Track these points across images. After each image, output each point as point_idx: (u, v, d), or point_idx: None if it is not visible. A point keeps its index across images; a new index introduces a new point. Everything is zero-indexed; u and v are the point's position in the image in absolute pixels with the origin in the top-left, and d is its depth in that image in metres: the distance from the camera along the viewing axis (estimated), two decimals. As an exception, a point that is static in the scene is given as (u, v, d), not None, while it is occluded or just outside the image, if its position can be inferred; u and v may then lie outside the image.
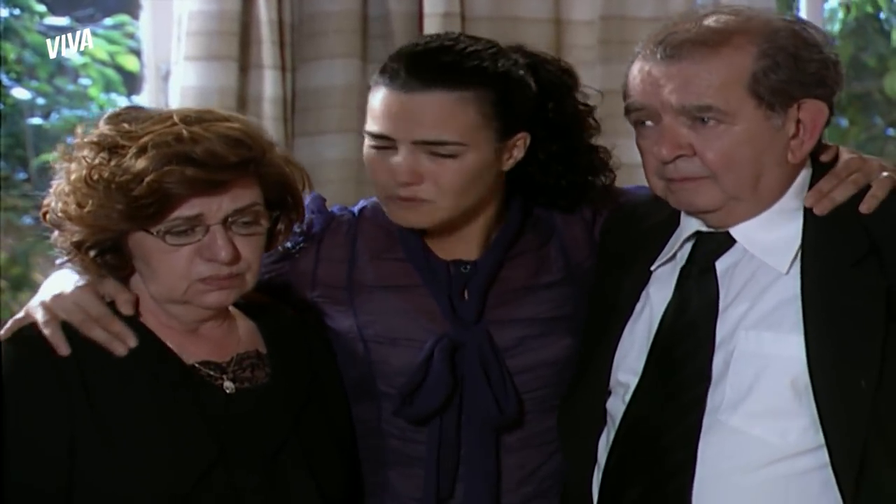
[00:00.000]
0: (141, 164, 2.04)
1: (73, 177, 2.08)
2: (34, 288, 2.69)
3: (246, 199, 2.10)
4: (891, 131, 5.20)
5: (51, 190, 2.13)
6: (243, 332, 2.22)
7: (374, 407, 2.33)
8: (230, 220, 2.09)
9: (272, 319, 2.26)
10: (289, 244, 2.34)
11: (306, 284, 2.36)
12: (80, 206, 2.07)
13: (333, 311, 2.35)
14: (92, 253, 2.10)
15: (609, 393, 2.25)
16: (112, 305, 2.13)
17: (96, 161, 2.06)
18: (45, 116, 4.13)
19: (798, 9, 4.04)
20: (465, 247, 2.35)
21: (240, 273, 2.11)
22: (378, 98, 2.27)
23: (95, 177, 2.05)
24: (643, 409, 2.18)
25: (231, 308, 2.21)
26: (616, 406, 2.23)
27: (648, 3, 3.68)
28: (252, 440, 2.11)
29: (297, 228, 2.30)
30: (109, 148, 2.07)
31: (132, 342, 2.09)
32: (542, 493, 2.36)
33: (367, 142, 2.29)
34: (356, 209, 2.42)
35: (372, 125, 2.27)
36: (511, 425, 2.32)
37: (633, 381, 2.20)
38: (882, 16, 5.05)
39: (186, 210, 2.06)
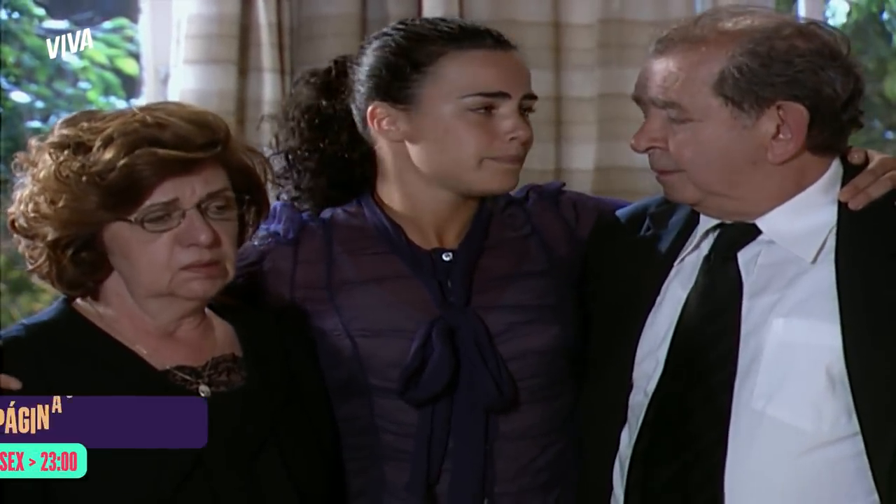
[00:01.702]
0: (110, 153, 2.05)
1: (41, 175, 2.08)
2: (33, 291, 2.68)
3: (217, 183, 2.12)
4: (890, 135, 5.20)
5: (15, 199, 2.12)
6: (219, 335, 2.21)
7: (365, 403, 2.33)
8: (204, 204, 2.10)
9: (248, 321, 2.25)
10: (259, 244, 2.35)
11: (285, 287, 2.36)
12: (52, 203, 2.06)
13: (315, 310, 2.35)
14: (69, 252, 2.09)
15: (631, 386, 2.26)
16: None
17: (62, 158, 2.06)
18: (44, 120, 4.13)
19: (797, 11, 4.04)
20: (445, 236, 2.38)
21: (220, 260, 2.12)
22: (482, 60, 2.31)
23: (65, 172, 2.05)
24: (670, 394, 2.19)
25: (207, 311, 2.21)
26: (638, 398, 2.24)
27: (647, 6, 3.68)
28: (229, 444, 2.10)
29: (266, 230, 2.32)
30: (73, 145, 2.07)
31: (15, 385, 2.05)
32: (537, 485, 2.35)
33: (471, 106, 2.31)
34: (325, 216, 2.42)
35: (486, 86, 2.30)
36: (505, 414, 2.33)
37: (658, 369, 2.21)
38: (885, 16, 5.04)
39: (161, 195, 2.07)
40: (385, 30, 2.40)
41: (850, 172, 2.23)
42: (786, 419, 2.12)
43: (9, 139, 3.88)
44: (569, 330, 2.37)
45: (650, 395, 2.22)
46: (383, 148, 2.38)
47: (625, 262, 2.34)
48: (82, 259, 2.10)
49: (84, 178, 2.05)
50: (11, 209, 2.12)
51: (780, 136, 2.17)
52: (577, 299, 2.40)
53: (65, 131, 2.10)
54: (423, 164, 2.35)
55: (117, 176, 2.04)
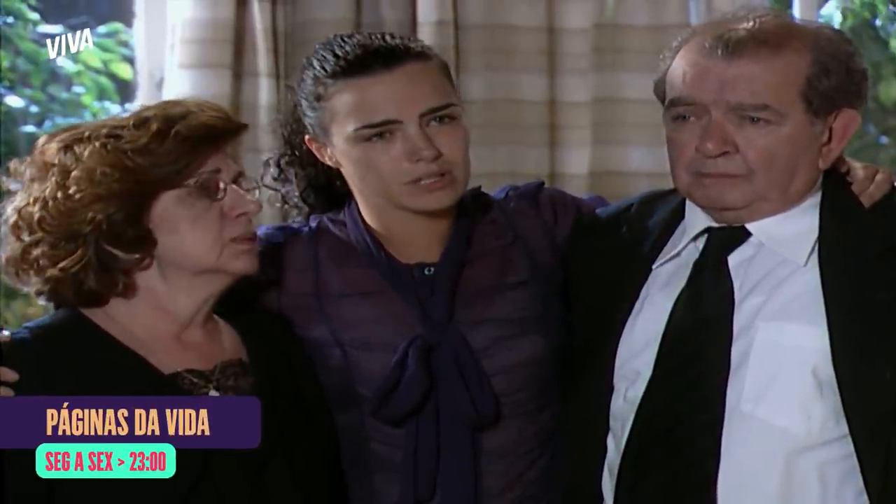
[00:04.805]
0: (154, 125, 2.08)
1: (85, 155, 2.06)
2: (27, 296, 2.68)
3: (236, 165, 2.17)
4: (884, 139, 5.20)
5: (13, 205, 2.10)
6: (227, 340, 2.22)
7: (356, 412, 2.33)
8: (237, 181, 2.14)
9: (252, 327, 2.25)
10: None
11: (273, 294, 2.36)
12: (100, 183, 2.05)
13: (304, 318, 2.34)
14: (114, 232, 2.07)
15: (612, 391, 2.26)
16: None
17: (103, 140, 2.07)
18: (39, 124, 4.12)
19: (791, 16, 4.04)
20: (425, 250, 2.36)
21: (254, 236, 2.16)
22: (363, 89, 2.27)
23: (112, 150, 2.06)
24: (659, 402, 2.19)
25: (214, 315, 2.21)
26: (619, 405, 2.24)
27: (641, 11, 3.68)
28: (238, 450, 2.08)
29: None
30: (105, 135, 2.08)
31: (11, 377, 2.04)
32: (528, 498, 2.35)
33: (364, 137, 2.27)
34: (313, 223, 2.42)
35: (370, 118, 2.27)
36: (492, 429, 2.32)
37: (643, 377, 2.21)
38: (877, 22, 5.05)
39: (207, 166, 2.11)
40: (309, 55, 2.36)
41: (829, 179, 2.24)
42: (775, 421, 2.13)
43: (3, 144, 3.88)
44: (554, 339, 2.35)
45: (635, 403, 2.21)
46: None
47: (602, 266, 2.33)
48: (127, 239, 2.09)
49: (132, 153, 2.06)
50: (34, 209, 2.09)
51: (829, 142, 2.19)
52: (564, 304, 2.39)
53: (76, 132, 2.10)
54: (360, 189, 2.34)
55: (170, 144, 2.07)
